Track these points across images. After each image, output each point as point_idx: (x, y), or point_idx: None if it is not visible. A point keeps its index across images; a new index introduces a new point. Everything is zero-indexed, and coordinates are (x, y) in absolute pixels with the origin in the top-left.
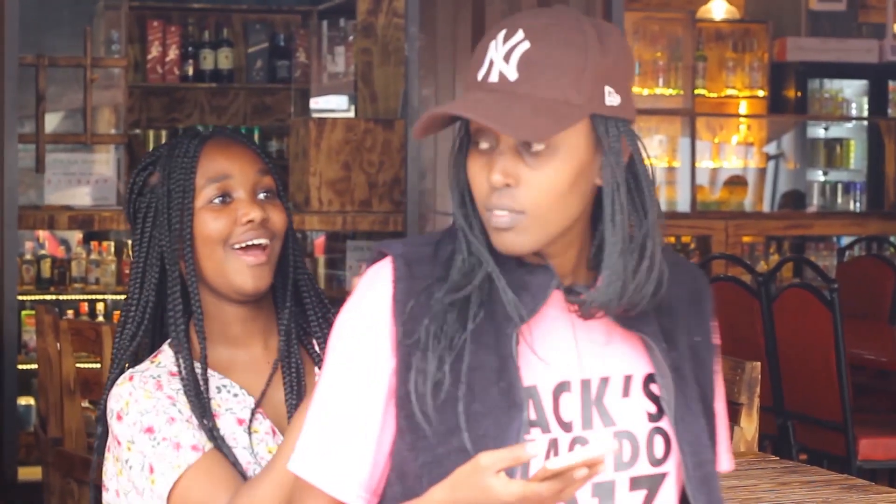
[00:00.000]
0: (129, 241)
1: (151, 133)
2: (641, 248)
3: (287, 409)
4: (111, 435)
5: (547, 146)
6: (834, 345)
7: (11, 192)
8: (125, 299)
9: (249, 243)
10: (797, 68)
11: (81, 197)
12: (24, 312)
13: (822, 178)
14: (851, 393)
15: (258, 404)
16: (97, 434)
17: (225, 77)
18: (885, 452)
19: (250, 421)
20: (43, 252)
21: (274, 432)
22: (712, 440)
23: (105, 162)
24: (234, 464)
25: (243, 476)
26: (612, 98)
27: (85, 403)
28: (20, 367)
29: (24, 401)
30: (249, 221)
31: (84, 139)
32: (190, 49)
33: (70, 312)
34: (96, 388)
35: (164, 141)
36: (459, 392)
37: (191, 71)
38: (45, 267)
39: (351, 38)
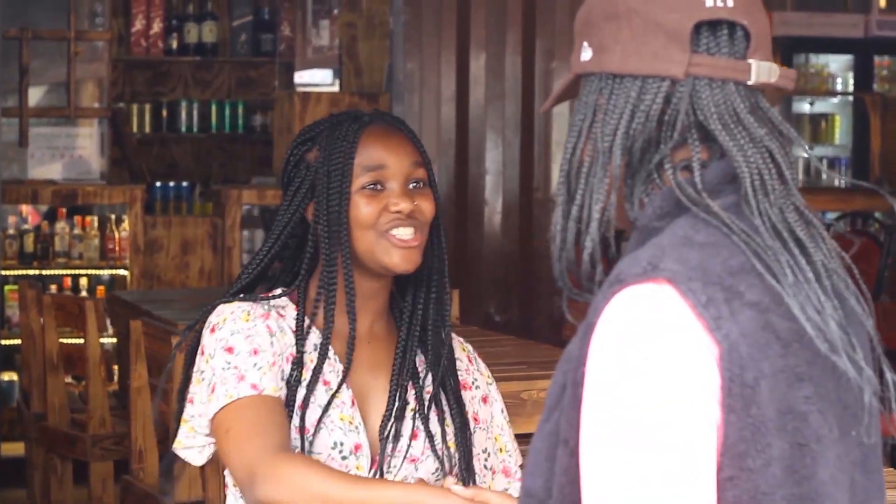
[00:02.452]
0: (114, 218)
1: (135, 107)
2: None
3: (390, 395)
4: (200, 347)
5: None
6: None
7: None
8: (259, 251)
9: (396, 232)
10: (783, 43)
11: (65, 171)
12: (6, 287)
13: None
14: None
15: (345, 376)
16: (178, 345)
17: (209, 50)
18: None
19: (337, 387)
20: (26, 226)
21: (353, 403)
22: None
23: (89, 136)
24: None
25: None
26: (585, 53)
27: (68, 379)
28: (3, 342)
29: (6, 376)
30: (398, 212)
31: (68, 113)
32: (174, 22)
33: (53, 287)
34: (79, 363)
35: (147, 115)
36: None
37: (175, 44)
38: (29, 241)
39: (335, 11)
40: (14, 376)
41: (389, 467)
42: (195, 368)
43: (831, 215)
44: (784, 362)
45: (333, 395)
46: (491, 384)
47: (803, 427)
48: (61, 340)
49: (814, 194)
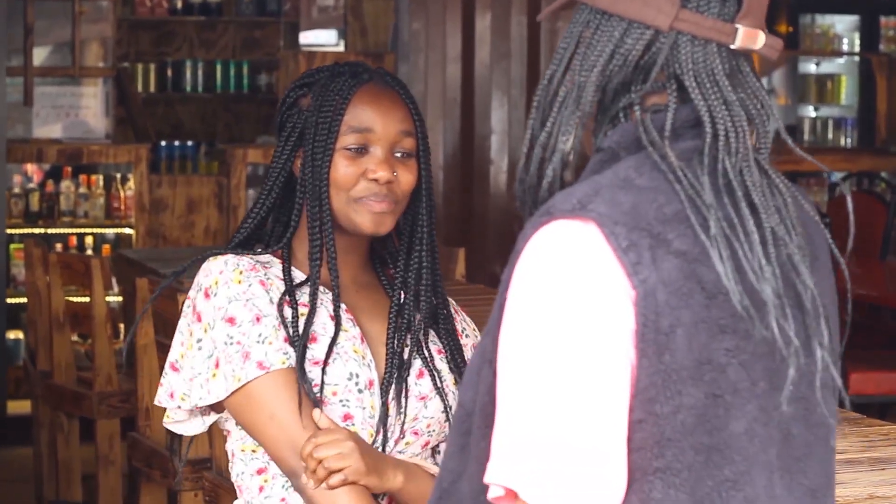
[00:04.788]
0: (114, 173)
1: (140, 67)
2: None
3: (387, 347)
4: (192, 308)
5: None
6: None
7: None
8: (253, 204)
9: (370, 199)
10: (789, 3)
11: (69, 130)
12: (12, 246)
13: (813, 114)
14: (842, 328)
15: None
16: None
17: (214, 10)
18: (876, 387)
19: (337, 319)
20: (31, 185)
21: (362, 339)
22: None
23: (93, 95)
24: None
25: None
26: None
27: (74, 337)
28: (9, 300)
29: (12, 335)
30: (375, 180)
31: (72, 72)
32: None
33: (59, 246)
34: (85, 322)
35: (152, 74)
36: None
37: (179, 4)
38: (34, 200)
39: None
40: (20, 335)
41: (401, 407)
42: (185, 331)
43: (837, 175)
44: (707, 313)
45: (338, 327)
46: (478, 335)
47: (720, 378)
48: (67, 299)
49: (819, 154)
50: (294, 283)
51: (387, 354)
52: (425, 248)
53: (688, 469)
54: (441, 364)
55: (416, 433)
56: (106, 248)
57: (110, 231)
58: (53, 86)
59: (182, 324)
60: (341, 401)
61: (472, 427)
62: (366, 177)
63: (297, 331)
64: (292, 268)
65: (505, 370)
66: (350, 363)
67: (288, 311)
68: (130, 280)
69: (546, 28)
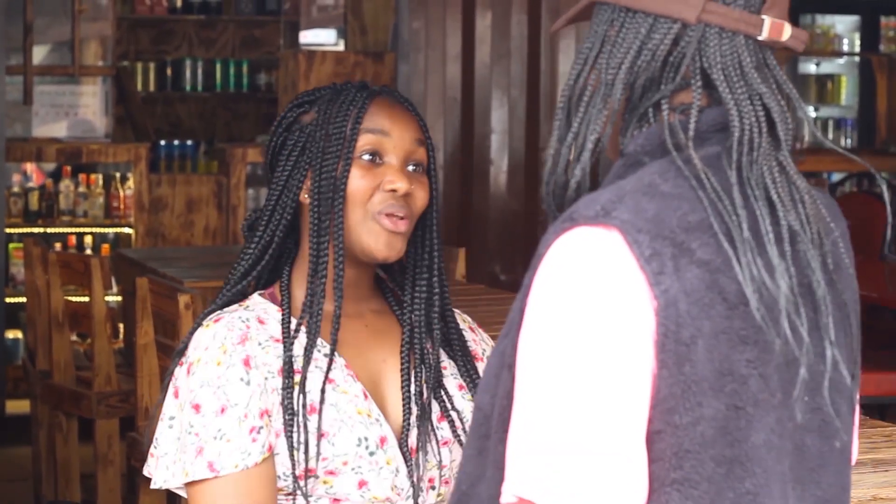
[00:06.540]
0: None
1: (139, 65)
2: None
3: (403, 389)
4: (174, 379)
5: None
6: None
7: None
8: (249, 235)
9: (389, 212)
10: (790, 2)
11: (69, 129)
12: (11, 245)
13: (813, 115)
14: None
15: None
16: (169, 371)
17: (213, 9)
18: (876, 388)
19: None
20: (30, 185)
21: (366, 396)
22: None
23: (93, 94)
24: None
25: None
26: None
27: (73, 336)
28: (8, 300)
29: (11, 334)
30: (393, 191)
31: (72, 71)
32: None
33: (58, 245)
34: (84, 321)
35: (152, 73)
36: None
37: (179, 2)
38: (33, 199)
39: None
40: (19, 334)
41: (426, 455)
42: (165, 403)
43: (837, 176)
44: (728, 324)
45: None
46: None
47: (742, 390)
48: (66, 298)
49: (820, 155)
50: (291, 343)
51: (403, 398)
52: (435, 273)
53: (707, 481)
54: (462, 402)
55: (446, 482)
56: (105, 247)
57: (110, 230)
58: (53, 84)
59: (169, 392)
60: (353, 469)
61: (491, 430)
62: (382, 189)
63: (291, 400)
64: (292, 318)
65: (523, 374)
66: (356, 428)
67: (279, 382)
68: (130, 279)
69: (546, 27)
